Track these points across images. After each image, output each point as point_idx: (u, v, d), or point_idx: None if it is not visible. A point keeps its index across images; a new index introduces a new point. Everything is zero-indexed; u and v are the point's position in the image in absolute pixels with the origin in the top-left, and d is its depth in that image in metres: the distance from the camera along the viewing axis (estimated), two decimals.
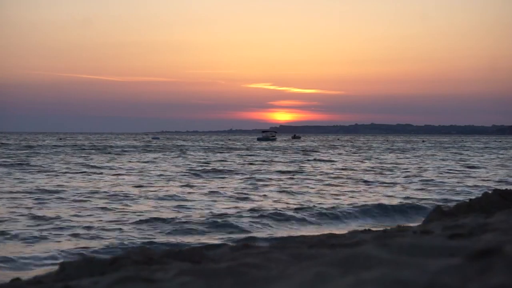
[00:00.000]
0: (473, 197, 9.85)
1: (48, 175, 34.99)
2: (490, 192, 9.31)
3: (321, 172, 40.16)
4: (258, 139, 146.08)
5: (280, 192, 26.91)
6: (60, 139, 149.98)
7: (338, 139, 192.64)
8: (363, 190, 28.62)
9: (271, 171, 40.24)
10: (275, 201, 23.27)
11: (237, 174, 37.18)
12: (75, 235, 15.68)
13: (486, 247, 3.11)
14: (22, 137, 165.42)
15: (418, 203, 23.16)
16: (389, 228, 7.84)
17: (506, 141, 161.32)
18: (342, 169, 43.41)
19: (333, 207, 21.41)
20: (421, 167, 45.54)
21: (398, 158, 61.47)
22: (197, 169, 41.13)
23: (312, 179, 34.28)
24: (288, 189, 27.91)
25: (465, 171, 42.36)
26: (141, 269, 4.22)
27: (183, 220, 17.89)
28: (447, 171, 42.02)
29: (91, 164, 46.65)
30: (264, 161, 53.93)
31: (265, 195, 25.49)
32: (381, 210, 21.45)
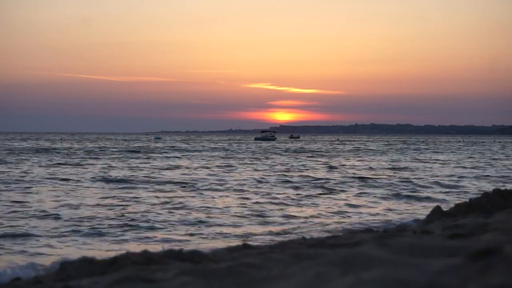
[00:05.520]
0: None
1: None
2: (490, 192, 9.31)
3: None
4: (256, 139, 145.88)
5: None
6: (61, 139, 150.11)
7: (338, 139, 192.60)
8: None
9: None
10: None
11: None
12: None
13: (486, 247, 3.11)
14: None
15: None
16: (389, 228, 7.85)
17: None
18: None
19: None
20: None
21: None
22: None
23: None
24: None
25: None
26: (141, 269, 4.22)
27: None
28: None
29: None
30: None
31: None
32: None
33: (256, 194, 26.97)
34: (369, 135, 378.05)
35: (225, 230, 17.51)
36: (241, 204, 23.36)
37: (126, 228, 17.51)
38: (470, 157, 65.35)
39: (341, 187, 30.49)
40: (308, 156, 66.03)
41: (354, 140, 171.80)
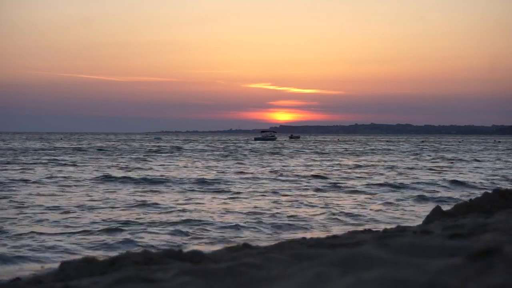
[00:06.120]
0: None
1: None
2: (490, 192, 9.29)
3: None
4: (256, 139, 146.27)
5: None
6: (61, 139, 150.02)
7: (338, 139, 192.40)
8: None
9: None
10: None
11: None
12: None
13: (486, 247, 3.11)
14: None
15: None
16: (389, 228, 7.85)
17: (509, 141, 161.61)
18: None
19: None
20: None
21: None
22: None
23: None
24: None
25: None
26: (141, 269, 4.22)
27: None
28: None
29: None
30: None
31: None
32: None
33: (255, 194, 26.94)
34: (369, 135, 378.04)
35: (223, 230, 17.47)
36: (239, 204, 23.33)
37: (123, 228, 17.48)
38: (476, 158, 65.23)
39: (341, 187, 30.47)
40: (309, 156, 66.00)
41: (354, 140, 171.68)
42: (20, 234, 16.27)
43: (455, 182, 33.65)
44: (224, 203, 23.70)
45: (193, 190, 28.22)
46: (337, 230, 17.32)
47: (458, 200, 22.68)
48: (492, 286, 2.62)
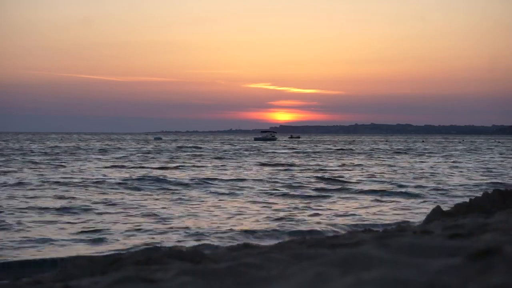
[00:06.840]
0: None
1: None
2: (490, 192, 9.29)
3: None
4: (256, 139, 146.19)
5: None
6: (62, 139, 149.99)
7: (337, 140, 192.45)
8: None
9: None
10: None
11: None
12: None
13: (486, 247, 3.11)
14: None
15: None
16: (389, 228, 7.84)
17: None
18: None
19: None
20: None
21: None
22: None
23: None
24: None
25: None
26: (141, 269, 4.22)
27: None
28: None
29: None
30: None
31: None
32: None
33: (255, 194, 26.93)
34: (369, 135, 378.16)
35: (222, 230, 17.47)
36: (238, 204, 23.32)
37: (123, 228, 17.49)
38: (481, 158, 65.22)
39: (341, 187, 30.45)
40: (310, 156, 66.00)
41: (355, 140, 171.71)
42: (17, 236, 16.25)
43: (455, 182, 33.66)
44: (223, 203, 23.68)
45: (191, 190, 28.21)
46: (337, 230, 17.31)
47: (458, 200, 22.68)
48: (492, 286, 2.62)
